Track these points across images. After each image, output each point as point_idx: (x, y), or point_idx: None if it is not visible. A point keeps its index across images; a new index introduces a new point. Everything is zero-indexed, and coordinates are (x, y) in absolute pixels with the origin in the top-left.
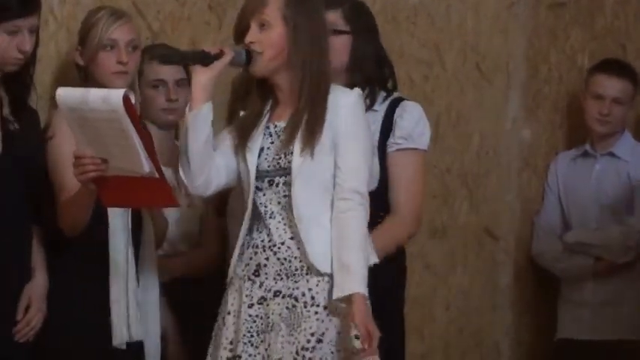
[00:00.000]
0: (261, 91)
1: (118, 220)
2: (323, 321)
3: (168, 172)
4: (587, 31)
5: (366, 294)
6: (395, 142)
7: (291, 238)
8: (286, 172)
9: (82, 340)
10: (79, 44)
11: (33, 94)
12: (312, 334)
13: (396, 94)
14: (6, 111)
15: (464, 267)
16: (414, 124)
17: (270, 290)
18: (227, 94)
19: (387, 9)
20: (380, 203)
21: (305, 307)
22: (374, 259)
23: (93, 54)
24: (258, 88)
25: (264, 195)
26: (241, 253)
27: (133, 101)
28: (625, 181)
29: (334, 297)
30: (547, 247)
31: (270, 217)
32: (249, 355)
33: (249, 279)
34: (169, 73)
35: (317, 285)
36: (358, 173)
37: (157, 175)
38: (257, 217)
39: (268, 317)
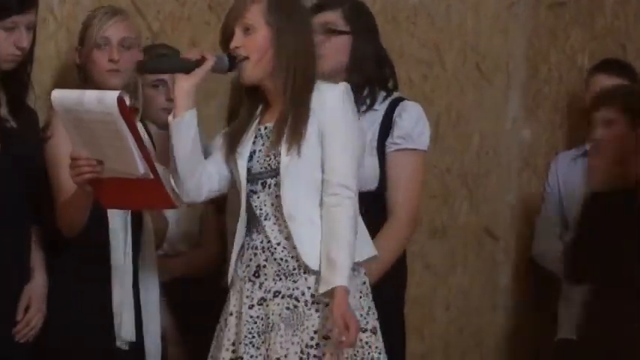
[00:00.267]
0: (251, 96)
1: (117, 221)
2: (327, 317)
3: (168, 173)
4: (587, 31)
5: (348, 287)
6: (394, 142)
7: (287, 239)
8: (276, 172)
9: (83, 340)
10: (78, 44)
11: (31, 94)
12: (316, 332)
13: (396, 94)
14: (4, 110)
15: (464, 267)
16: (413, 124)
17: (269, 291)
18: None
19: (387, 9)
20: (380, 203)
21: (306, 305)
22: (371, 252)
23: (88, 53)
24: (248, 92)
25: (258, 197)
26: (241, 255)
27: (127, 103)
28: None
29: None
30: (547, 247)
31: (266, 219)
32: (251, 357)
33: (250, 280)
34: None
35: (315, 283)
36: (345, 167)
37: (152, 177)
38: (254, 220)
39: (268, 318)
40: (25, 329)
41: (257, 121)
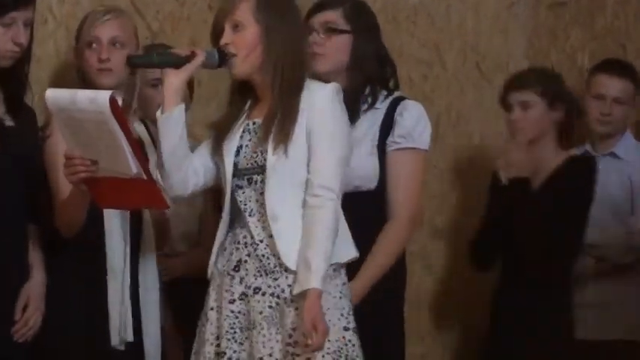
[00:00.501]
0: (240, 90)
1: (115, 221)
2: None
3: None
4: (587, 31)
5: (321, 290)
6: (394, 141)
7: (270, 237)
8: (262, 169)
9: (81, 340)
10: (75, 43)
11: (29, 93)
12: (294, 329)
13: (397, 93)
14: (2, 109)
15: (464, 267)
16: (414, 123)
17: (250, 287)
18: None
19: (387, 9)
20: (380, 203)
21: (285, 303)
22: (352, 254)
23: (81, 51)
24: (238, 86)
25: (243, 193)
26: (223, 249)
27: (120, 103)
28: (626, 181)
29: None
30: None
31: (250, 215)
32: (234, 352)
33: (229, 274)
34: None
35: (294, 282)
36: (329, 169)
37: (144, 177)
38: (238, 215)
39: (250, 314)
40: (24, 329)
41: (245, 115)
